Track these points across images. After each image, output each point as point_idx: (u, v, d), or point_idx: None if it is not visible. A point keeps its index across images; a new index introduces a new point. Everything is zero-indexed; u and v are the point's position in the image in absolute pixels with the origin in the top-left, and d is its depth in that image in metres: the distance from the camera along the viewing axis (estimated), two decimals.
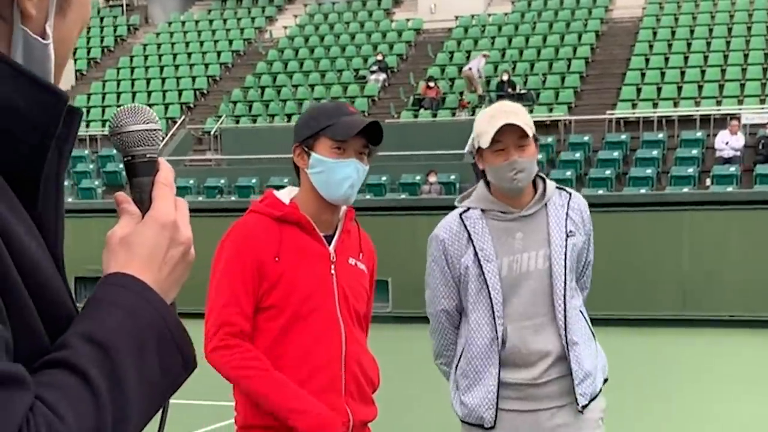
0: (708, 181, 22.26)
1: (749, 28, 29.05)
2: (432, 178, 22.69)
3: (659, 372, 12.74)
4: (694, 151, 23.59)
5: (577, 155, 23.98)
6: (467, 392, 4.08)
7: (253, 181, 23.89)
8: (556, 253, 3.96)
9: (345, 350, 3.45)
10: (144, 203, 1.37)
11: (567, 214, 4.03)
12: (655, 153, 23.64)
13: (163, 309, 1.29)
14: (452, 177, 23.38)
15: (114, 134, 1.43)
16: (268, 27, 35.83)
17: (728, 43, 28.55)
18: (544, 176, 4.12)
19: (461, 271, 4.03)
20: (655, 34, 29.84)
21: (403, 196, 22.12)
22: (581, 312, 4.10)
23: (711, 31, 29.41)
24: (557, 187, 4.12)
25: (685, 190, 21.07)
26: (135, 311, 1.25)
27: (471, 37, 31.92)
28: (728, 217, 17.08)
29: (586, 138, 24.61)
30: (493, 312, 3.96)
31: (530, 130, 3.91)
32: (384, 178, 23.44)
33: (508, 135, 3.89)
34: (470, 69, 28.22)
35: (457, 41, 31.77)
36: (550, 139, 25.13)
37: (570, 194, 4.12)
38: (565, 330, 3.96)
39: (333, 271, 3.46)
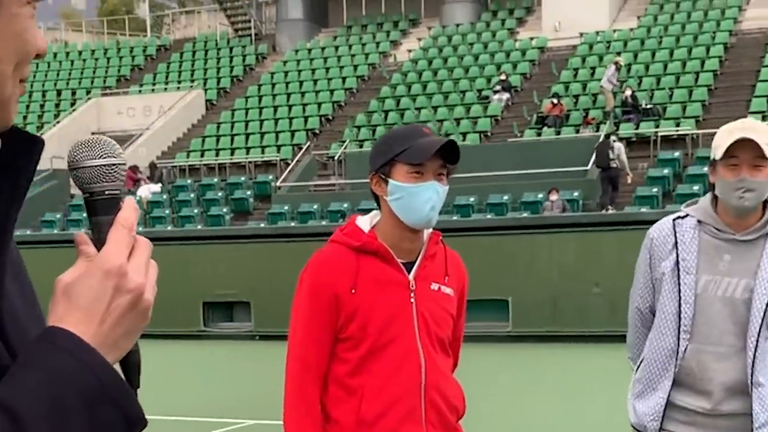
0: None
1: None
2: (553, 197, 22.45)
3: None
4: None
5: (706, 169, 23.30)
6: (639, 398, 4.00)
7: (376, 204, 24.00)
8: (760, 288, 3.80)
9: (425, 379, 3.41)
10: (103, 244, 1.27)
11: None
12: None
13: (99, 366, 1.19)
14: (575, 194, 23.11)
15: (70, 170, 1.32)
16: (392, 51, 36.10)
17: None
18: None
19: (659, 275, 3.94)
20: None
21: (524, 214, 21.94)
22: None
23: None
24: None
25: None
26: (59, 371, 1.16)
27: (596, 53, 31.59)
28: None
29: None
30: (680, 325, 3.85)
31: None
32: (506, 198, 23.29)
33: (745, 151, 3.74)
34: (602, 87, 27.97)
35: (581, 58, 31.49)
36: (676, 154, 24.67)
37: None
38: (753, 367, 3.79)
39: (413, 299, 3.40)
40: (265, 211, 26.32)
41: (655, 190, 22.88)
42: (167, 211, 27.50)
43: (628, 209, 21.95)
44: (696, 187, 22.43)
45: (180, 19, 45.89)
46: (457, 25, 36.08)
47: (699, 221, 3.88)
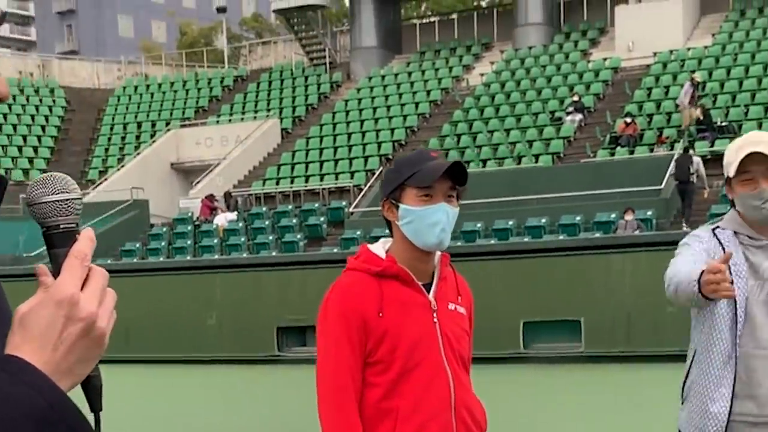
0: None
1: None
2: (628, 216, 22.26)
3: None
4: None
5: None
6: (695, 410, 3.95)
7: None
8: None
9: (454, 397, 3.49)
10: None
11: None
12: None
13: (49, 391, 1.24)
14: (649, 213, 22.89)
15: (28, 206, 1.39)
16: (465, 75, 36.22)
17: None
18: None
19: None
20: None
21: (597, 234, 21.78)
22: None
23: None
24: None
25: None
26: (10, 396, 1.21)
27: (670, 72, 31.37)
28: None
29: None
30: (736, 330, 3.85)
31: None
32: (578, 218, 23.16)
33: (756, 164, 3.83)
34: (679, 104, 27.74)
35: (655, 77, 31.30)
36: None
37: None
38: None
39: (436, 319, 3.48)
40: (338, 236, 26.50)
41: (729, 208, 22.55)
42: (243, 239, 27.83)
43: None
44: None
45: (257, 50, 46.51)
46: (530, 48, 36.08)
47: (735, 232, 3.92)
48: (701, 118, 26.89)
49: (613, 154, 27.22)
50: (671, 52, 32.57)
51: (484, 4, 52.24)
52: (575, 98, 30.49)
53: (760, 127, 26.56)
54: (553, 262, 19.76)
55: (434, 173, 3.33)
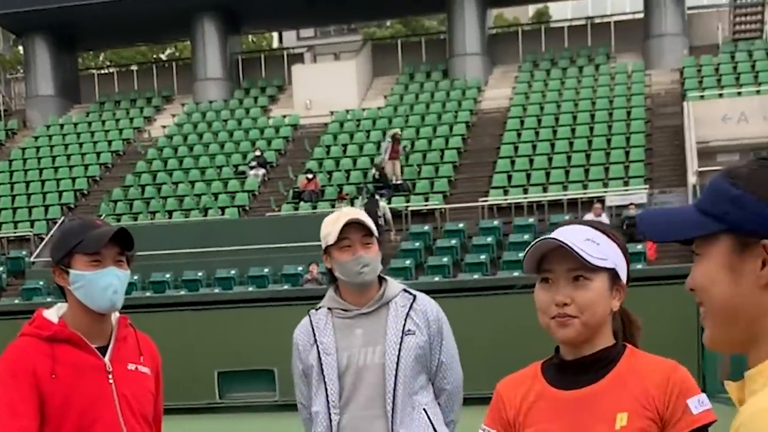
0: None
1: (610, 114, 30.49)
2: (314, 270, 23.18)
3: None
4: None
5: (453, 242, 24.74)
6: None
7: (135, 277, 24.11)
8: (390, 349, 4.27)
9: None
10: None
11: (408, 314, 4.37)
12: (526, 237, 24.40)
13: None
14: None
15: None
16: (146, 127, 36.26)
17: (591, 129, 29.89)
18: (386, 277, 4.48)
19: (307, 367, 4.38)
20: (522, 122, 31.06)
21: (285, 287, 22.55)
22: (425, 410, 4.33)
23: (575, 118, 30.75)
24: (404, 290, 4.45)
25: None
26: None
27: (347, 131, 32.78)
28: None
29: (461, 225, 25.42)
30: (329, 403, 4.30)
31: (374, 230, 4.34)
32: (266, 270, 23.86)
33: (354, 232, 4.27)
34: (384, 159, 28.83)
35: (333, 135, 32.61)
36: (426, 228, 25.89)
37: (414, 296, 4.40)
38: (392, 422, 4.24)
39: (111, 381, 3.56)
40: (20, 287, 25.86)
41: (408, 262, 23.90)
42: None
43: None
44: (445, 259, 23.68)
45: None
46: (211, 102, 36.62)
47: (329, 308, 4.42)
48: (377, 176, 28.31)
49: (297, 209, 28.17)
50: (347, 111, 34.03)
51: (164, 57, 52.33)
52: (257, 153, 31.28)
53: (432, 186, 28.36)
54: (245, 313, 20.26)
55: (101, 240, 3.50)
